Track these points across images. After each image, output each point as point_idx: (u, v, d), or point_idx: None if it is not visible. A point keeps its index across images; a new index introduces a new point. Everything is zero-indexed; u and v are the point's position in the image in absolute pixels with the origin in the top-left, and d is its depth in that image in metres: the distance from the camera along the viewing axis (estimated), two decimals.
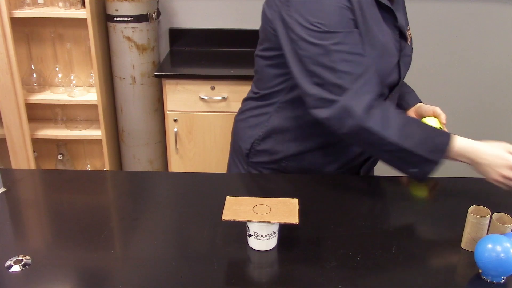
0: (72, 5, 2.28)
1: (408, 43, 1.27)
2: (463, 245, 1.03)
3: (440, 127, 1.19)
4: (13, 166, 2.44)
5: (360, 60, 1.11)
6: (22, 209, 1.17)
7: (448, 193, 1.26)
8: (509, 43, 2.57)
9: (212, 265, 0.96)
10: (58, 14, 2.25)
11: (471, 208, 1.01)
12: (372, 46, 1.15)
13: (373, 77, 1.13)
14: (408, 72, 1.32)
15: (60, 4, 2.30)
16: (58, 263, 0.97)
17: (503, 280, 0.93)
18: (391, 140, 1.11)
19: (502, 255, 0.89)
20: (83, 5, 2.22)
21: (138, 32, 2.33)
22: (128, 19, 2.30)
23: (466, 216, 1.01)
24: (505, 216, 0.99)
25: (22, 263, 0.95)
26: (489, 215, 1.00)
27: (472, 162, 1.14)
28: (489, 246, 0.90)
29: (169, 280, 0.93)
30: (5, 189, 1.22)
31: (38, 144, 2.57)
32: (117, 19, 2.30)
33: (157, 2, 2.50)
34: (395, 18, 1.21)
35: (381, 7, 1.18)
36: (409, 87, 1.48)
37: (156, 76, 2.35)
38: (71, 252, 1.00)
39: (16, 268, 0.94)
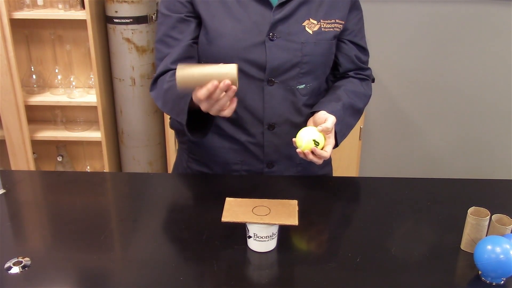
0: (71, 6, 2.28)
1: (310, 31, 1.22)
2: (462, 247, 1.03)
3: (314, 140, 1.14)
4: (13, 168, 2.44)
5: (172, 42, 1.25)
6: (21, 211, 1.17)
7: (447, 194, 1.26)
8: (509, 43, 2.57)
9: (212, 266, 0.96)
10: (58, 16, 2.25)
11: (471, 210, 1.01)
12: (211, 28, 1.21)
13: (174, 55, 1.24)
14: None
15: (60, 6, 2.30)
16: (57, 264, 0.97)
17: (502, 281, 0.93)
18: (161, 108, 1.27)
19: (501, 256, 0.89)
20: (83, 6, 2.22)
21: (137, 34, 2.33)
22: (128, 20, 2.30)
23: (466, 217, 1.01)
24: (504, 217, 0.99)
25: (22, 264, 0.95)
26: (489, 217, 1.00)
27: None
28: (489, 247, 0.90)
29: (169, 281, 0.93)
30: (4, 191, 1.22)
31: (38, 146, 2.57)
32: (117, 20, 2.30)
33: (157, 3, 2.50)
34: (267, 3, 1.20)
35: None
36: (342, 99, 1.27)
37: None
38: (70, 253, 1.00)
39: (15, 269, 0.94)
